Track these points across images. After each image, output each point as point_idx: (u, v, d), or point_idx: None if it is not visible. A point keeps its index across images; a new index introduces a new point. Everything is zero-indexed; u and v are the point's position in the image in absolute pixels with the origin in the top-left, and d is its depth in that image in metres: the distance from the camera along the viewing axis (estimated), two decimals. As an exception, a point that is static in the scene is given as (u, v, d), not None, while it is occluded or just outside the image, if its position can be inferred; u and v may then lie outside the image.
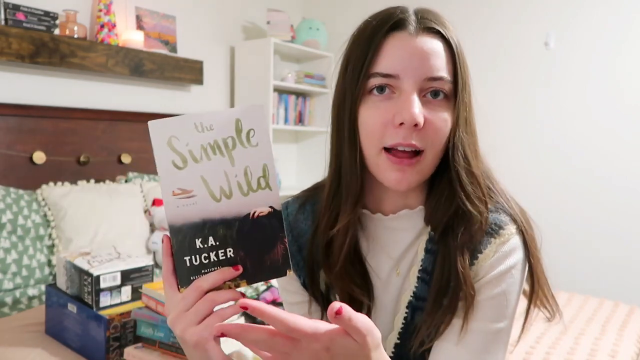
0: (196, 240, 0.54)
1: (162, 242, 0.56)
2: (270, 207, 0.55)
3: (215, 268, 0.55)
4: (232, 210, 0.55)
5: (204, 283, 0.54)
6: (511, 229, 0.69)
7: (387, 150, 0.66)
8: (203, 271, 0.55)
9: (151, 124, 0.53)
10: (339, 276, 0.72)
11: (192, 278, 0.54)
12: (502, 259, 0.68)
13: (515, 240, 0.69)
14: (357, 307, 0.71)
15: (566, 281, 2.66)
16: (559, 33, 2.85)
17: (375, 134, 0.66)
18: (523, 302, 0.74)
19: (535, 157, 2.94)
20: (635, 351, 1.63)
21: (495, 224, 0.69)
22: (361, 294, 0.72)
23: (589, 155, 2.78)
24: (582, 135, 2.80)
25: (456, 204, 0.68)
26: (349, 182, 0.70)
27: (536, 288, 0.72)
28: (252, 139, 0.54)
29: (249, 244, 0.55)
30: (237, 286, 0.56)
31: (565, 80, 2.84)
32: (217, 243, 0.55)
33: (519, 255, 0.69)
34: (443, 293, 0.68)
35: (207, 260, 0.55)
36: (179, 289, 0.55)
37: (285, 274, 0.56)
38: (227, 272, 0.54)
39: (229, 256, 0.55)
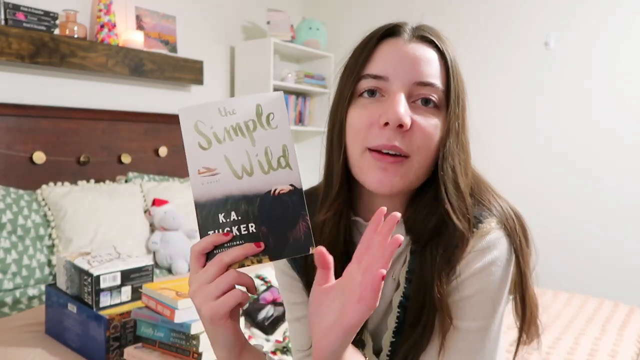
0: (219, 215, 0.57)
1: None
2: (291, 185, 0.57)
3: (239, 242, 0.57)
4: (254, 187, 0.57)
5: (225, 257, 0.55)
6: (491, 223, 0.67)
7: (371, 151, 0.66)
8: (226, 245, 0.57)
9: (180, 110, 0.58)
10: None
11: (215, 252, 0.57)
12: (480, 254, 0.65)
13: (495, 235, 0.66)
14: None
15: (566, 281, 2.67)
16: (559, 33, 2.85)
17: (359, 134, 0.66)
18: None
19: (535, 157, 2.94)
20: (635, 351, 1.63)
21: (475, 217, 0.67)
22: None
23: (589, 156, 2.78)
24: (582, 136, 2.80)
25: (437, 219, 0.66)
26: (334, 181, 0.70)
27: (527, 314, 0.70)
28: (271, 122, 0.58)
29: (271, 220, 0.57)
30: (260, 262, 0.57)
31: (565, 80, 2.84)
32: (239, 218, 0.57)
33: (499, 251, 0.66)
34: (419, 317, 0.67)
35: (230, 234, 0.57)
36: (204, 265, 0.57)
37: (308, 252, 0.57)
38: (249, 248, 0.56)
39: (251, 231, 0.57)
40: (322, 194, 0.73)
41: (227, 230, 0.57)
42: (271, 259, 0.57)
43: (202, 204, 0.57)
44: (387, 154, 0.64)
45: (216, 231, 0.57)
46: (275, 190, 0.57)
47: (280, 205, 0.57)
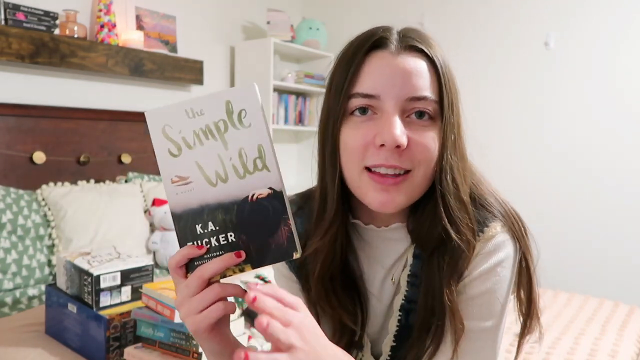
0: (196, 226, 0.54)
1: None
2: (270, 188, 0.54)
3: (219, 252, 0.54)
4: (230, 194, 0.54)
5: (205, 272, 0.53)
6: (496, 226, 0.67)
7: (369, 170, 0.64)
8: (206, 256, 0.54)
9: (147, 113, 0.55)
10: (328, 301, 0.71)
11: (196, 264, 0.55)
12: (486, 257, 0.66)
13: (501, 238, 0.67)
14: (347, 326, 0.72)
15: (566, 281, 2.67)
16: (559, 33, 2.85)
17: (356, 155, 0.64)
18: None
19: (535, 157, 2.94)
20: (635, 351, 1.63)
21: (479, 221, 0.67)
22: (351, 321, 0.71)
23: (589, 155, 2.78)
24: (582, 135, 2.80)
25: (440, 230, 0.66)
26: (329, 204, 0.68)
27: (532, 311, 0.70)
28: (244, 120, 0.53)
29: (251, 228, 0.54)
30: (242, 271, 0.55)
31: (565, 80, 2.84)
32: (217, 228, 0.54)
33: (504, 252, 0.67)
34: (428, 323, 0.67)
35: (209, 246, 0.55)
36: (186, 276, 0.55)
37: (291, 257, 0.54)
38: (229, 259, 0.54)
39: (230, 240, 0.54)
40: (317, 213, 0.71)
41: (206, 242, 0.54)
42: (253, 267, 0.55)
43: (179, 215, 0.54)
44: (387, 175, 0.63)
45: (195, 243, 0.55)
46: (253, 195, 0.54)
47: (260, 211, 0.54)
